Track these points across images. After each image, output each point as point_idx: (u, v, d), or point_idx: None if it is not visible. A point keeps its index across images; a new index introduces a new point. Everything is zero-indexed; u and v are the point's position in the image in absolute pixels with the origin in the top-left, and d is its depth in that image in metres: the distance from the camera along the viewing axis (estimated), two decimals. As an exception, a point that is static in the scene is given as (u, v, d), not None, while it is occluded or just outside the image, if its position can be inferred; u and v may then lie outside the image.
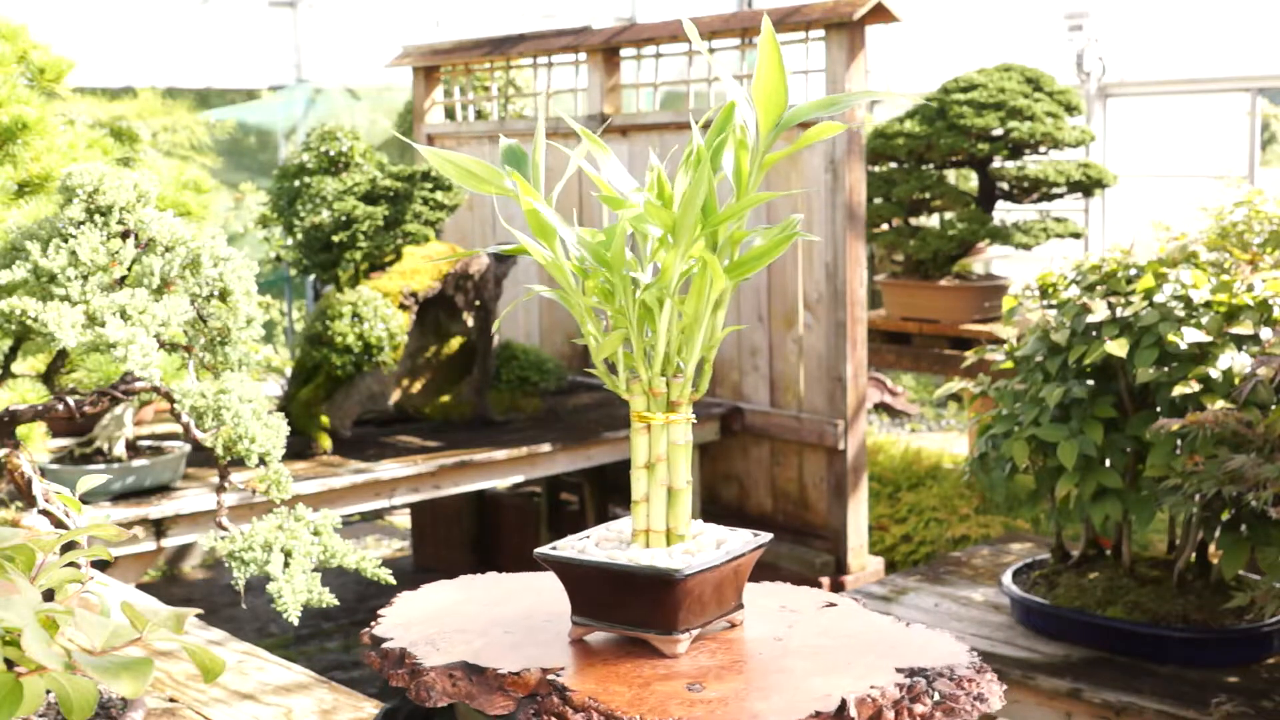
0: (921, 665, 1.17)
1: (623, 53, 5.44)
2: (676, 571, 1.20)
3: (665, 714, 1.10)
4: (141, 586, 4.43)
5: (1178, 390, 2.94)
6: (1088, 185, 5.75)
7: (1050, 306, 3.32)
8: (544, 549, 1.29)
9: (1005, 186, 5.88)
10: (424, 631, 1.31)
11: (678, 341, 1.27)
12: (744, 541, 1.30)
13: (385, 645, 1.28)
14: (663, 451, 1.28)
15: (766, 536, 1.31)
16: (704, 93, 5.22)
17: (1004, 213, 6.22)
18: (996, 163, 5.83)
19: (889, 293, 6.05)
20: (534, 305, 5.93)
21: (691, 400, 1.30)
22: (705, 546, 1.28)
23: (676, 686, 1.15)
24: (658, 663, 1.21)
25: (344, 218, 4.62)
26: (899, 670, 1.16)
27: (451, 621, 1.33)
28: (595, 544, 1.31)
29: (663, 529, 1.28)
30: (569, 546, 1.30)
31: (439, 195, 4.72)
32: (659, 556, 1.25)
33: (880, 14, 4.55)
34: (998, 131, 5.63)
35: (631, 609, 1.24)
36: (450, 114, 6.32)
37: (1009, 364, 3.41)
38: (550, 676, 1.18)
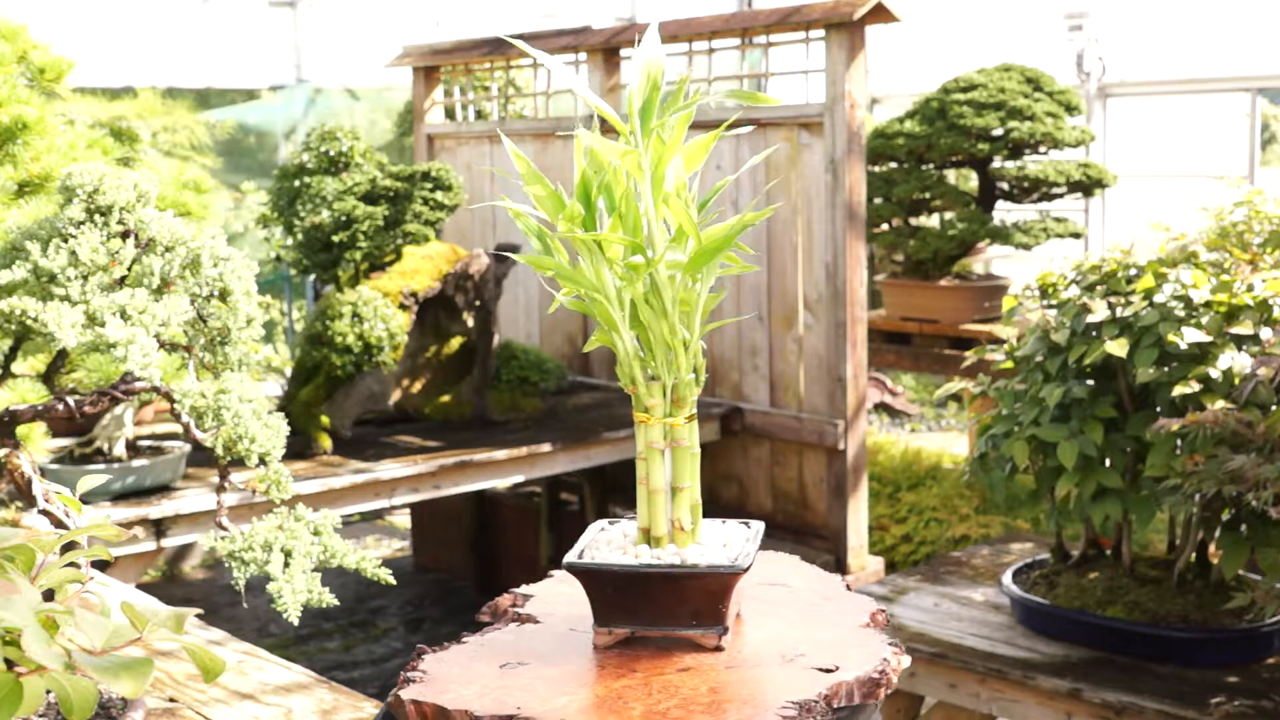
0: None
1: (623, 53, 5.44)
2: (567, 563, 1.26)
3: (442, 658, 1.24)
4: (141, 586, 4.43)
5: (1178, 390, 2.94)
6: (1088, 185, 5.76)
7: (1050, 306, 3.32)
8: (601, 521, 1.38)
9: (1005, 186, 5.88)
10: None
11: (657, 345, 1.28)
12: (681, 560, 1.26)
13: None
14: (642, 451, 1.29)
15: (739, 565, 1.24)
16: (704, 93, 5.21)
17: (1004, 213, 6.22)
18: (996, 163, 5.83)
19: (889, 293, 6.05)
20: (534, 305, 5.93)
21: (675, 407, 1.29)
22: (664, 554, 1.28)
23: (494, 664, 1.23)
24: (586, 648, 1.28)
25: (344, 218, 4.62)
26: None
27: None
28: (616, 530, 1.37)
29: (644, 526, 1.30)
30: (612, 524, 1.38)
31: (439, 195, 4.72)
32: (602, 550, 1.29)
33: (880, 14, 4.55)
34: (998, 131, 5.63)
35: None
36: (450, 114, 6.32)
37: (1009, 364, 3.41)
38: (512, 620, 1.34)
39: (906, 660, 1.24)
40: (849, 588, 1.40)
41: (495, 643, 1.29)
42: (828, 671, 1.19)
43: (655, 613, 1.25)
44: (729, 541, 1.32)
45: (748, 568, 1.25)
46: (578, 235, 1.25)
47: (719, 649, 1.24)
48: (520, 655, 1.25)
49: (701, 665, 1.22)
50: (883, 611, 1.33)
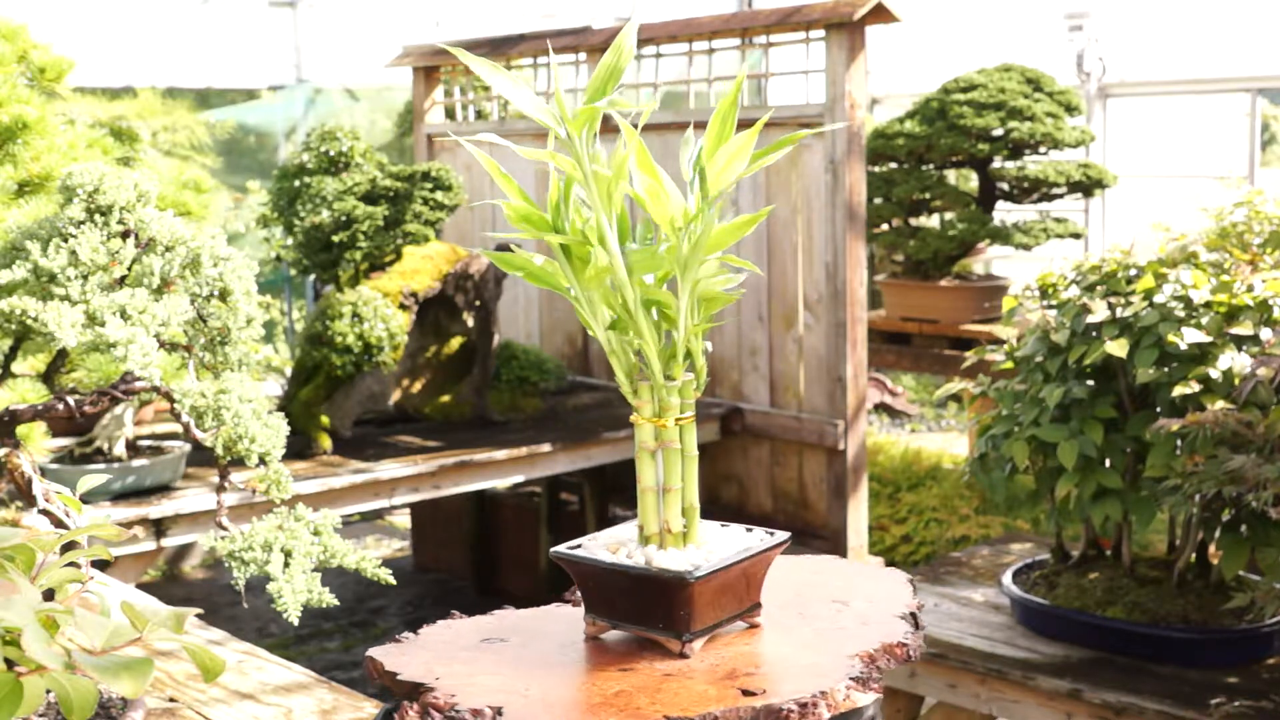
0: None
1: (623, 53, 5.44)
2: (553, 552, 1.30)
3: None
4: (141, 586, 4.43)
5: (1178, 390, 2.93)
6: (1088, 185, 5.76)
7: (1050, 307, 3.32)
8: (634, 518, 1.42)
9: (1005, 187, 5.88)
10: None
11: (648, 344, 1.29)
12: (646, 562, 1.25)
13: None
14: (636, 450, 1.30)
15: (692, 574, 1.22)
16: (704, 93, 5.22)
17: (1004, 213, 6.22)
18: (996, 163, 5.83)
19: (889, 293, 6.05)
20: (534, 305, 5.93)
21: (664, 409, 1.29)
22: (636, 554, 1.28)
23: (479, 638, 1.28)
24: (575, 636, 1.31)
25: (344, 218, 4.62)
26: None
27: None
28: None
29: (640, 524, 1.31)
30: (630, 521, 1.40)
31: (439, 195, 4.72)
32: (597, 544, 1.32)
33: (880, 14, 4.55)
34: (998, 132, 5.63)
35: None
36: (450, 114, 6.32)
37: (1009, 364, 3.41)
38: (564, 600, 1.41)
39: (868, 698, 1.19)
40: (915, 617, 1.33)
41: (508, 619, 1.33)
42: (748, 694, 1.16)
43: (628, 611, 1.27)
44: (719, 548, 1.30)
45: (702, 577, 1.22)
46: (531, 233, 1.27)
47: (683, 655, 1.23)
48: (513, 634, 1.29)
49: (645, 669, 1.22)
50: (903, 645, 1.27)
